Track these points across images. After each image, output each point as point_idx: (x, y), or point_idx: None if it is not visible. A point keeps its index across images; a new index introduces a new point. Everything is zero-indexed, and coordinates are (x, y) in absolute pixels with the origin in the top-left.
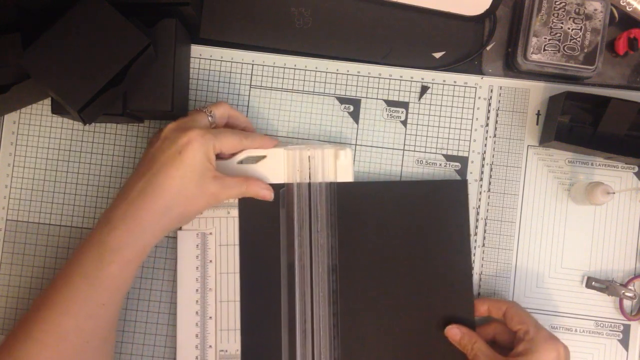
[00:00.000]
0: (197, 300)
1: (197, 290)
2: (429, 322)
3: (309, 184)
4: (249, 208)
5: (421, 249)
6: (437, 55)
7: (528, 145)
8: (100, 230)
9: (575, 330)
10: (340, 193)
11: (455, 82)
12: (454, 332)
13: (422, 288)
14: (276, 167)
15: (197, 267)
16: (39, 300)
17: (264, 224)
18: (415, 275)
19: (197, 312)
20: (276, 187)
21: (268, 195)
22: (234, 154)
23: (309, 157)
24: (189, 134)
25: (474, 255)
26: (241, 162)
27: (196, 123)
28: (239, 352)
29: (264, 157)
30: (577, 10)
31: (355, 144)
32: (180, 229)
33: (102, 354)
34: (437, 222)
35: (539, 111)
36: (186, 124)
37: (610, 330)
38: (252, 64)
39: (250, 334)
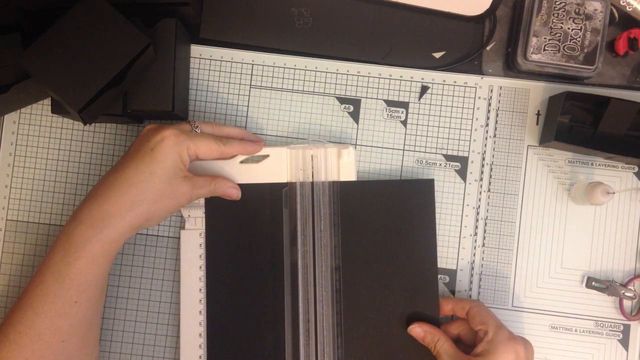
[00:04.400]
0: (200, 300)
1: (200, 289)
2: (399, 320)
3: (312, 183)
4: (215, 209)
5: (390, 247)
6: (437, 55)
7: (528, 145)
8: (68, 226)
9: (575, 330)
10: (343, 192)
11: (455, 82)
12: (417, 332)
13: (392, 286)
14: (279, 166)
15: (200, 267)
16: (16, 301)
17: (232, 223)
18: (387, 273)
19: (200, 312)
20: (279, 187)
21: (235, 194)
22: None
23: (311, 156)
24: (164, 132)
25: (474, 255)
26: (244, 161)
27: (175, 125)
28: None
29: (266, 156)
30: (577, 10)
31: (356, 144)
32: (183, 228)
33: (83, 353)
34: (405, 221)
35: (539, 111)
36: (165, 126)
37: (610, 330)
38: (252, 64)
39: (217, 338)
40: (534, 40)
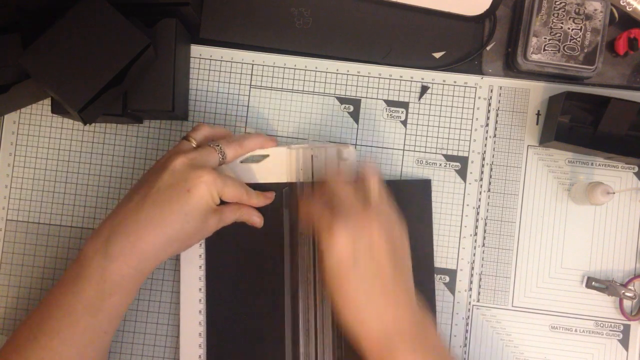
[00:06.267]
0: (200, 300)
1: (200, 289)
2: None
3: (312, 183)
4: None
5: None
6: (437, 55)
7: (528, 145)
8: (98, 260)
9: (575, 330)
10: None
11: (455, 82)
12: None
13: None
14: (279, 166)
15: (200, 267)
16: (33, 325)
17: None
18: None
19: (200, 312)
20: (279, 187)
21: (259, 222)
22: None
23: (311, 156)
24: (202, 174)
25: (474, 255)
26: (244, 161)
27: (207, 162)
28: None
29: (267, 156)
30: (577, 10)
31: (356, 144)
32: None
33: None
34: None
35: (539, 111)
36: (197, 161)
37: (610, 330)
38: (252, 64)
39: (217, 338)
40: (534, 40)
